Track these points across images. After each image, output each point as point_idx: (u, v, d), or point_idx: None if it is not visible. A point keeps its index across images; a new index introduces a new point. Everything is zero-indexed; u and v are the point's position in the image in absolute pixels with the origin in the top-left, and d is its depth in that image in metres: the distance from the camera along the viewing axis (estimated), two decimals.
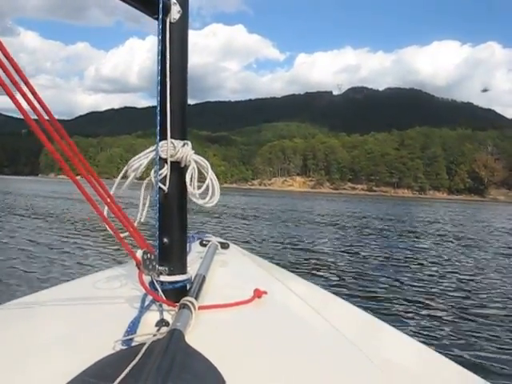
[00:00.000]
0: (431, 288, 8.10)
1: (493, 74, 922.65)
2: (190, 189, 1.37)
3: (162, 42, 1.36)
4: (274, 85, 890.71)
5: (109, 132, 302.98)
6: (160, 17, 1.34)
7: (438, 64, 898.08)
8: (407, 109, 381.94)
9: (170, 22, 1.37)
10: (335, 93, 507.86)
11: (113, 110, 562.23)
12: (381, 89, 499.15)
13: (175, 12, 1.38)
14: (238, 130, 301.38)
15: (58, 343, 1.16)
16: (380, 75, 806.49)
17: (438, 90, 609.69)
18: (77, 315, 1.37)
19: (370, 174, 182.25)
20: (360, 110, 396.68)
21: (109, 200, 1.30)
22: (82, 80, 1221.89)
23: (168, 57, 1.36)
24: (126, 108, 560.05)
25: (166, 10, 1.36)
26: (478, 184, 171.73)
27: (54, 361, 1.06)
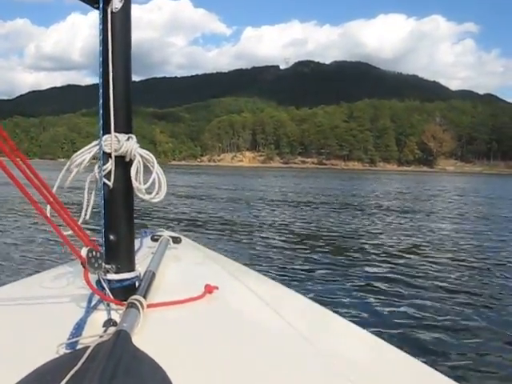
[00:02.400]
0: (379, 271, 7.54)
1: (437, 47, 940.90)
2: (135, 184, 1.34)
3: (104, 32, 1.32)
4: (220, 60, 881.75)
5: (52, 111, 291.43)
6: (101, 6, 1.31)
7: (384, 37, 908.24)
8: (355, 82, 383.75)
9: (112, 12, 1.33)
10: (282, 67, 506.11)
11: (55, 88, 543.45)
12: (328, 62, 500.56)
13: (117, 1, 1.34)
14: (186, 106, 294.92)
15: None
16: (327, 49, 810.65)
17: (384, 62, 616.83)
18: (18, 319, 1.31)
19: (319, 147, 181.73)
20: (308, 83, 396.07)
21: (51, 198, 1.25)
22: (22, 58, 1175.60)
23: (110, 48, 1.32)
24: (69, 86, 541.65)
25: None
26: (427, 155, 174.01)
27: None
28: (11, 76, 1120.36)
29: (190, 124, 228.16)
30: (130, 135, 1.37)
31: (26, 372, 0.92)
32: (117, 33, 1.34)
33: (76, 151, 1.33)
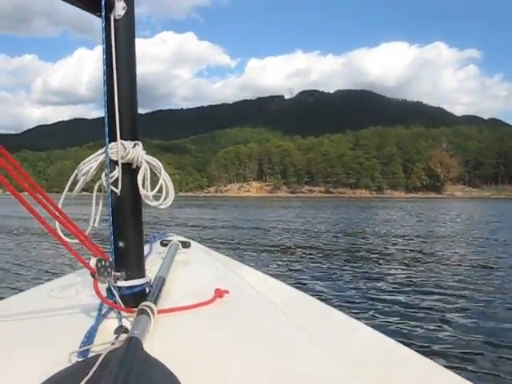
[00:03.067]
0: (385, 284, 8.01)
1: (440, 74, 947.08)
2: (142, 191, 1.34)
3: (107, 39, 1.32)
4: (225, 91, 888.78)
5: (59, 145, 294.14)
6: (103, 14, 1.31)
7: (387, 65, 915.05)
8: (359, 110, 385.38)
9: (115, 19, 1.33)
10: (287, 97, 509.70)
11: (62, 122, 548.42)
12: (332, 91, 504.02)
13: (120, 8, 1.33)
14: (191, 138, 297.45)
15: (10, 358, 1.11)
16: (330, 78, 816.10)
17: (388, 90, 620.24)
18: (29, 328, 1.31)
19: (326, 175, 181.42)
20: (312, 113, 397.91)
21: (57, 213, 1.26)
22: (29, 93, 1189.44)
23: (114, 54, 1.32)
24: (75, 120, 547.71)
25: (110, 7, 1.32)
26: (434, 181, 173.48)
27: (4, 378, 1.00)
28: (19, 111, 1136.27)
29: (196, 155, 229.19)
30: (136, 142, 1.37)
31: (39, 382, 0.92)
32: (120, 40, 1.34)
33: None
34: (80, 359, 1.05)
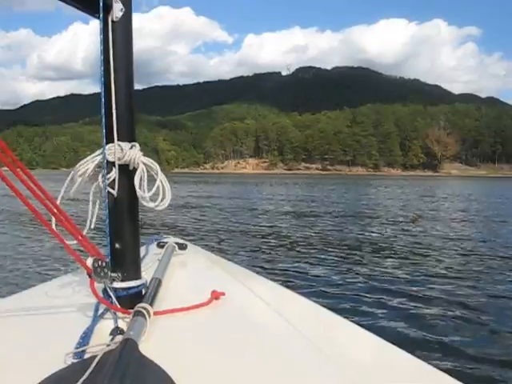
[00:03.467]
0: (386, 279, 7.57)
1: (439, 51, 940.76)
2: (139, 192, 1.34)
3: (105, 41, 1.32)
4: (222, 67, 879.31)
5: (55, 120, 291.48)
6: (101, 16, 1.31)
7: (385, 42, 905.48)
8: (356, 87, 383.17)
9: (113, 21, 1.33)
10: (284, 73, 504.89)
11: (58, 97, 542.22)
12: (329, 68, 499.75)
13: (117, 10, 1.33)
14: (188, 114, 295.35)
15: (5, 359, 1.11)
16: (328, 55, 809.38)
17: (386, 67, 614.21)
18: (24, 329, 1.32)
19: (323, 152, 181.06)
20: (309, 89, 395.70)
21: (55, 209, 1.26)
22: (24, 68, 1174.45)
23: (111, 57, 1.32)
24: (72, 95, 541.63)
25: (108, 9, 1.32)
26: (431, 159, 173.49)
27: None
28: (14, 86, 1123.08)
29: (193, 132, 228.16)
30: (133, 143, 1.37)
31: (34, 382, 0.92)
32: (118, 42, 1.34)
33: (79, 160, 1.34)
34: (76, 360, 1.05)
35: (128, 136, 1.37)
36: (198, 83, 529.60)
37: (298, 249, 10.38)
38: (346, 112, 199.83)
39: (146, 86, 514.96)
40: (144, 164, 1.37)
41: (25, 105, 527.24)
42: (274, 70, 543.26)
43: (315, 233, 13.07)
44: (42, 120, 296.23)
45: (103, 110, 1.32)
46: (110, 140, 1.34)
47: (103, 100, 1.33)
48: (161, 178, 1.38)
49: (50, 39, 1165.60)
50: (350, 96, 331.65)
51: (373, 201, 26.66)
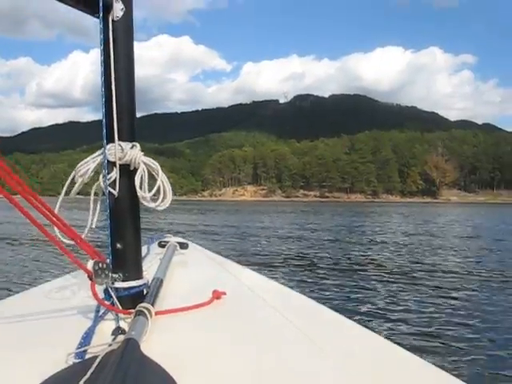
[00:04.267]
0: (382, 287, 8.07)
1: (434, 79, 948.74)
2: (140, 192, 1.34)
3: (105, 40, 1.32)
4: (220, 95, 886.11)
5: (53, 148, 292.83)
6: (101, 15, 1.30)
7: (381, 70, 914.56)
8: (353, 114, 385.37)
9: (113, 20, 1.33)
10: (282, 101, 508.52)
11: (57, 125, 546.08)
12: (326, 95, 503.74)
13: (118, 10, 1.33)
14: (186, 142, 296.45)
15: (7, 360, 1.10)
16: (325, 82, 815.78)
17: (382, 95, 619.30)
18: (27, 329, 1.31)
19: (321, 180, 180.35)
20: (307, 117, 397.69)
21: (54, 218, 1.26)
22: (23, 96, 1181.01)
23: (112, 56, 1.31)
24: (70, 123, 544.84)
25: (108, 8, 1.32)
26: (430, 185, 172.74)
27: (1, 380, 1.00)
28: (13, 114, 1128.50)
29: (191, 159, 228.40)
30: (134, 143, 1.37)
31: (36, 383, 0.92)
32: (119, 41, 1.34)
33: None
34: (77, 360, 1.04)
35: (129, 136, 1.36)
36: (197, 111, 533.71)
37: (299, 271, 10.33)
38: (344, 139, 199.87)
39: (144, 114, 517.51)
40: (145, 164, 1.37)
41: (23, 132, 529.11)
42: (271, 97, 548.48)
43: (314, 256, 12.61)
44: (39, 147, 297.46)
45: (104, 110, 1.32)
46: (110, 140, 1.33)
47: (104, 99, 1.32)
48: (162, 178, 1.38)
49: (50, 67, 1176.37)
50: (347, 123, 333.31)
51: (374, 229, 26.03)
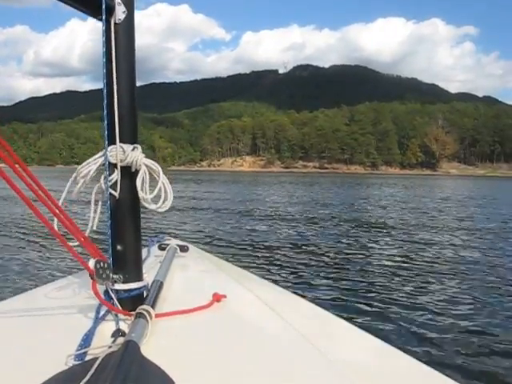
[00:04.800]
0: (385, 280, 7.58)
1: (436, 50, 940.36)
2: (141, 194, 1.35)
3: (107, 43, 1.33)
4: (219, 65, 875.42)
5: (51, 117, 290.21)
6: (103, 18, 1.31)
7: (382, 41, 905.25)
8: (354, 85, 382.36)
9: (115, 23, 1.33)
10: (281, 71, 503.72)
11: (54, 94, 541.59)
12: (326, 66, 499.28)
13: (120, 12, 1.34)
14: (185, 112, 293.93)
15: (5, 362, 1.10)
16: (325, 53, 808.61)
17: (383, 66, 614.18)
18: (26, 331, 1.31)
19: (321, 151, 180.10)
20: (307, 87, 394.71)
21: (57, 211, 1.26)
22: (20, 64, 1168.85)
23: (114, 59, 1.32)
24: (68, 92, 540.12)
25: (110, 11, 1.32)
26: (429, 158, 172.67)
27: (0, 381, 1.00)
28: (10, 82, 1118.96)
29: (190, 129, 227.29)
30: (135, 145, 1.37)
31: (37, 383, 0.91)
32: (120, 44, 1.34)
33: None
34: (77, 362, 1.04)
35: (130, 138, 1.38)
36: (195, 80, 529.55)
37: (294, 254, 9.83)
38: (344, 110, 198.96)
39: (142, 83, 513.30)
40: (146, 166, 1.37)
41: (20, 101, 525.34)
42: (271, 67, 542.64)
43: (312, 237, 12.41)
44: (37, 117, 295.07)
45: (105, 112, 1.33)
46: (112, 142, 1.34)
47: (105, 102, 1.33)
48: (163, 179, 1.39)
49: (47, 35, 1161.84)
50: (347, 94, 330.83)
51: (373, 203, 25.64)
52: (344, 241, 11.74)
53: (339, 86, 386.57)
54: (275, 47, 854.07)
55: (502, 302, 6.35)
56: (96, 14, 1.34)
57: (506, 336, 5.02)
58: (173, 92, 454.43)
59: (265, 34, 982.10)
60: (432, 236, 12.68)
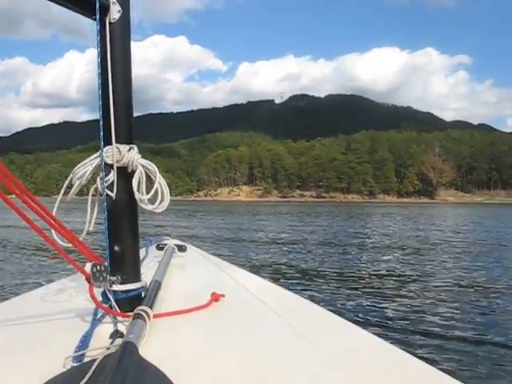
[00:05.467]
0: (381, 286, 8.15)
1: (430, 79, 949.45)
2: (137, 195, 1.33)
3: (102, 42, 1.32)
4: (216, 95, 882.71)
5: (48, 148, 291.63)
6: (97, 17, 1.29)
7: (377, 70, 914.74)
8: (350, 114, 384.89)
9: (110, 22, 1.33)
10: (277, 101, 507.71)
11: (52, 125, 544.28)
12: (322, 96, 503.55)
13: (115, 12, 1.33)
14: (182, 142, 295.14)
15: (4, 364, 1.09)
16: (321, 83, 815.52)
17: (378, 95, 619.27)
18: (24, 333, 1.30)
19: (318, 180, 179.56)
20: (303, 117, 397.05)
21: (52, 221, 1.25)
22: (18, 96, 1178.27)
23: (109, 58, 1.31)
24: (65, 123, 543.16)
25: (105, 10, 1.32)
26: (427, 186, 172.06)
27: None
28: (8, 113, 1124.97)
29: (186, 159, 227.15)
30: (131, 146, 1.36)
31: None
32: (115, 43, 1.34)
33: (71, 187, 1.32)
34: (75, 364, 1.04)
35: (126, 138, 1.36)
36: (192, 111, 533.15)
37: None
38: (341, 139, 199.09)
39: (140, 114, 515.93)
40: (142, 166, 1.36)
41: (18, 132, 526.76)
42: (267, 97, 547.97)
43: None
44: (34, 147, 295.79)
45: (101, 112, 1.32)
46: (107, 142, 1.33)
47: (101, 102, 1.31)
48: (159, 180, 1.38)
49: (45, 67, 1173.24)
50: (343, 123, 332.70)
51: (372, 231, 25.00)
52: (338, 264, 11.08)
53: (335, 116, 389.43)
54: (271, 77, 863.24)
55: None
56: (90, 13, 1.32)
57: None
58: (170, 122, 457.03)
59: (261, 65, 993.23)
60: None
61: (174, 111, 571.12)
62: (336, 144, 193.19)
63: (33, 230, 1.18)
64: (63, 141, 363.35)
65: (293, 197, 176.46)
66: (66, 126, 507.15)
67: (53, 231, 1.28)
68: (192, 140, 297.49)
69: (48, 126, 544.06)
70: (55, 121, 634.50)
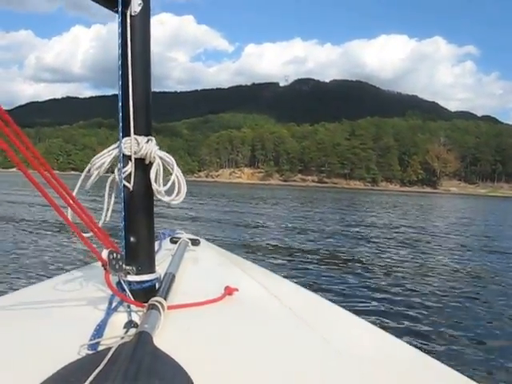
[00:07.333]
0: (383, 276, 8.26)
1: (437, 68, 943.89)
2: (154, 186, 1.35)
3: (123, 35, 1.33)
4: (220, 76, 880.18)
5: (50, 123, 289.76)
6: (120, 9, 1.31)
7: (384, 57, 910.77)
8: (354, 101, 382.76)
9: (131, 15, 1.34)
10: (282, 84, 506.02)
11: (55, 100, 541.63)
12: (327, 80, 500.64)
13: (136, 4, 1.34)
14: (184, 121, 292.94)
15: (19, 351, 1.11)
16: (327, 67, 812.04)
17: (384, 82, 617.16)
18: (40, 320, 1.32)
19: (320, 165, 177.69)
20: (307, 101, 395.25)
21: (71, 201, 1.25)
22: (22, 69, 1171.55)
23: (129, 51, 1.33)
24: (68, 98, 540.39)
25: (126, 3, 1.33)
26: (430, 175, 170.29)
27: (15, 370, 1.01)
28: (11, 86, 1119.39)
29: (188, 139, 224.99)
30: (149, 137, 1.38)
31: (49, 373, 0.93)
32: (136, 36, 1.35)
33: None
34: (90, 352, 1.06)
35: (144, 130, 1.38)
36: (196, 91, 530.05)
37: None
38: (345, 124, 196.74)
39: None
40: (160, 158, 1.38)
41: (20, 106, 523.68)
42: (272, 80, 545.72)
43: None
44: (36, 122, 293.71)
45: (120, 104, 1.34)
46: (126, 134, 1.34)
47: (120, 93, 1.34)
48: (176, 172, 1.39)
49: (50, 41, 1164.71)
50: (348, 109, 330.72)
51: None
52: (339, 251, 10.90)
53: (340, 101, 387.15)
54: (277, 60, 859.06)
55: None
56: (112, 5, 1.34)
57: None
58: (173, 101, 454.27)
59: (267, 47, 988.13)
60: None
61: (178, 90, 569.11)
62: (340, 129, 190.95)
63: (53, 208, 1.18)
64: (65, 116, 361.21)
65: (294, 181, 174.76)
66: (68, 102, 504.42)
67: (70, 211, 1.28)
68: (195, 120, 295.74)
69: (50, 100, 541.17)
70: (58, 96, 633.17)
